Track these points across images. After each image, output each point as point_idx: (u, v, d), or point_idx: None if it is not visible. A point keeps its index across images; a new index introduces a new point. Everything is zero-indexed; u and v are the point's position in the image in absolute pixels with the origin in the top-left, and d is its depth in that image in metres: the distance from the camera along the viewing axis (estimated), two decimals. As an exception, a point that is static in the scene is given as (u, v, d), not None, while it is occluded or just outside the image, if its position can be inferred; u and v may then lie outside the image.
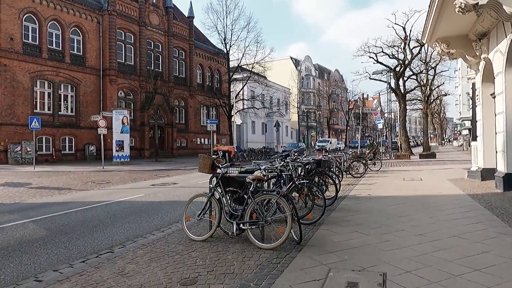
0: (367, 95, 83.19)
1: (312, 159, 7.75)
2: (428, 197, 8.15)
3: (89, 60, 27.93)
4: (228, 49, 35.39)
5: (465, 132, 48.81)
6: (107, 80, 28.66)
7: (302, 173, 6.96)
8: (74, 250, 4.90)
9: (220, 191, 4.91)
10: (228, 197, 4.98)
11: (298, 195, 5.77)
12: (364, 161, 13.90)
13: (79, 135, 26.89)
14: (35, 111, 24.40)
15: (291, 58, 63.46)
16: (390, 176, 13.00)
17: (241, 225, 4.48)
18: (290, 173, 5.74)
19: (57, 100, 25.88)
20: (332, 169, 8.85)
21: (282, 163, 6.15)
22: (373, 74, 25.19)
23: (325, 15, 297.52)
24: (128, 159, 23.21)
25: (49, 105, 25.59)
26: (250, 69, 36.54)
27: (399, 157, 24.43)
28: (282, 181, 5.83)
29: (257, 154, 28.09)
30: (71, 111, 26.94)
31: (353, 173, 12.93)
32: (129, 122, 23.66)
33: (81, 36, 27.58)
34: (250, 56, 38.21)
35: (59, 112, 26.03)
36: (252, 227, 4.44)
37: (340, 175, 10.33)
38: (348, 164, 12.91)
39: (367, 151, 17.48)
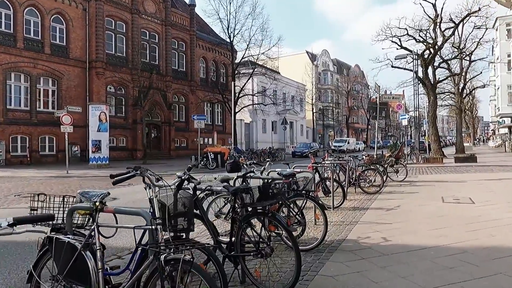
0: (390, 91, 77.39)
1: (272, 179, 3.95)
2: (508, 255, 3.99)
3: (73, 51, 25.10)
4: (232, 39, 31.89)
5: (503, 130, 43.22)
6: (93, 73, 25.76)
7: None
8: None
9: None
10: None
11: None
12: (381, 169, 9.98)
13: (60, 134, 23.84)
14: (8, 107, 21.82)
15: (307, 52, 59.12)
16: (420, 192, 9.00)
17: None
18: (153, 226, 2.04)
19: (35, 95, 23.15)
20: (312, 193, 4.90)
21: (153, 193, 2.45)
22: (395, 59, 20.86)
23: (349, 12, 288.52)
24: (107, 161, 20.13)
25: (26, 101, 22.88)
26: (256, 61, 32.88)
27: (429, 161, 20.05)
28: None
29: (260, 157, 24.21)
30: (52, 108, 24.12)
31: (366, 186, 9.05)
32: (107, 119, 20.55)
33: (64, 24, 24.76)
34: (257, 47, 34.44)
35: (38, 109, 23.30)
36: None
37: (341, 196, 6.54)
38: (358, 174, 9.00)
39: (387, 154, 13.38)
